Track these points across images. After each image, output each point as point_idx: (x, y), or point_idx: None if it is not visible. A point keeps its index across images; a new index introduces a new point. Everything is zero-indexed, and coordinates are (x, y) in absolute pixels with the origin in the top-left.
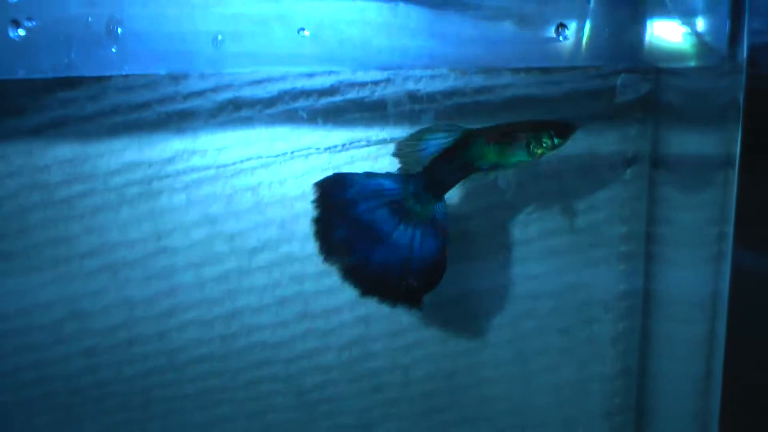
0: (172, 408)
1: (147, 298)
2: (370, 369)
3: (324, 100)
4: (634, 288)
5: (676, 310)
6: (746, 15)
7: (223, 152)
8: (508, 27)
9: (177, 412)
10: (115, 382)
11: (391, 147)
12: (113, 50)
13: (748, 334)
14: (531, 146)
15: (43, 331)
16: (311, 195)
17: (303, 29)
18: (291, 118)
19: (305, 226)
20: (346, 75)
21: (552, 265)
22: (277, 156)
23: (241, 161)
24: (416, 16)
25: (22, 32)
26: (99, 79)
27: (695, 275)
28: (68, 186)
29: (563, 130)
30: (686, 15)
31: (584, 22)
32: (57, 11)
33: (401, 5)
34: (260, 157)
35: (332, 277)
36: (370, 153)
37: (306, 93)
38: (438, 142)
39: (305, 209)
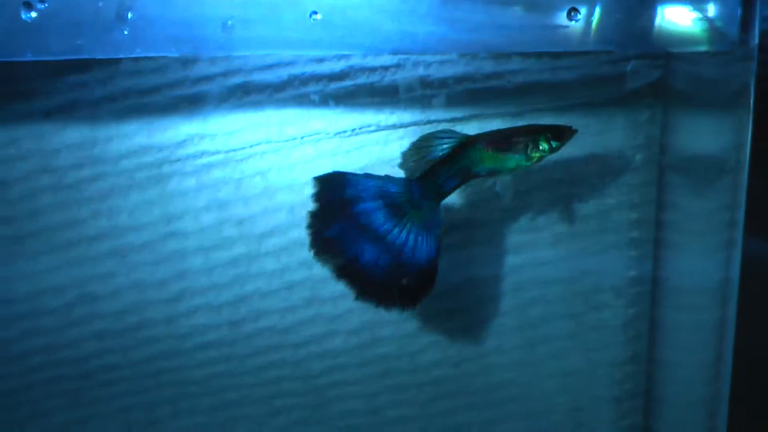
0: (180, 392)
1: (156, 283)
2: (378, 355)
3: (334, 85)
4: (644, 274)
5: (686, 296)
6: (758, 1)
7: (233, 137)
8: (518, 12)
9: (186, 396)
10: (124, 366)
11: (401, 132)
12: (125, 33)
13: (758, 321)
14: (528, 150)
15: (52, 314)
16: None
17: (315, 13)
18: (301, 102)
19: None
20: (356, 60)
21: (561, 251)
22: (286, 141)
23: (251, 146)
24: (426, 1)
25: (34, 14)
26: (109, 63)
27: (705, 262)
28: (78, 170)
29: (560, 134)
30: (697, 0)
31: (595, 7)
32: None
33: None
34: (270, 141)
35: None
36: (380, 138)
37: (316, 78)
38: (440, 148)
39: None
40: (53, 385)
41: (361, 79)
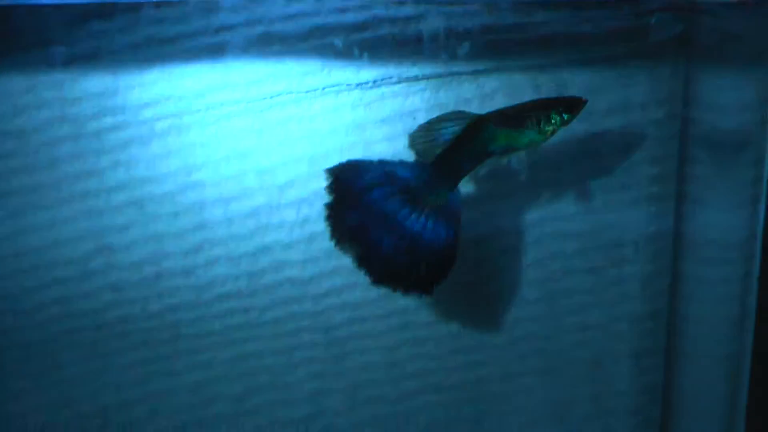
0: (198, 345)
1: (175, 233)
2: (398, 307)
3: (356, 36)
4: (665, 229)
5: (709, 251)
6: None
7: (254, 87)
8: None
9: (203, 348)
10: (141, 318)
11: (423, 84)
12: None
13: None
14: (542, 125)
15: (70, 265)
16: (343, 131)
17: None
18: (322, 53)
19: (335, 162)
20: (379, 10)
21: (582, 205)
22: (307, 92)
23: (272, 96)
24: None
25: None
26: (131, 11)
27: (729, 216)
28: (98, 119)
29: (572, 105)
30: None
31: None
32: None
33: None
34: (291, 92)
35: None
36: (401, 90)
37: (338, 28)
38: (450, 130)
39: (336, 145)
40: (69, 336)
41: (384, 30)
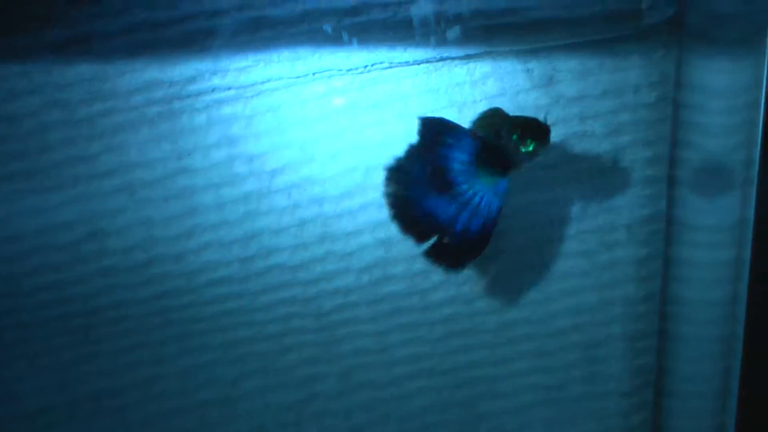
0: (189, 330)
1: (165, 219)
2: (390, 293)
3: (347, 21)
4: (658, 212)
5: (701, 235)
6: None
7: (244, 72)
8: None
9: (194, 334)
10: (133, 304)
11: (414, 69)
12: None
13: None
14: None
15: (62, 250)
16: (333, 117)
17: None
18: (313, 39)
19: (326, 147)
20: None
21: (574, 188)
22: (298, 77)
23: (262, 82)
24: None
25: None
26: None
27: (721, 201)
28: (89, 105)
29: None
30: None
31: None
32: None
33: None
34: (281, 78)
35: (353, 199)
36: (392, 75)
37: (329, 13)
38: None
39: (326, 131)
40: (62, 321)
41: (375, 15)
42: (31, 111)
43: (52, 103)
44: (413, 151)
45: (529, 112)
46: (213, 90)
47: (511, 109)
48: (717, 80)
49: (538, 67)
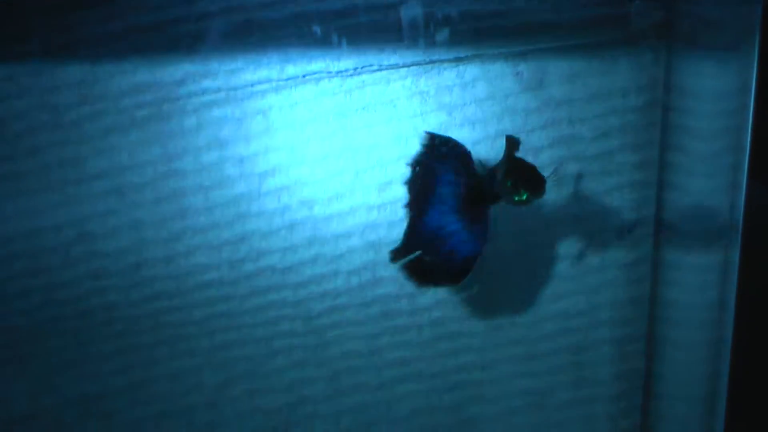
0: (179, 333)
1: (155, 222)
2: (379, 295)
3: (336, 23)
4: (646, 216)
5: (689, 239)
6: None
7: (234, 75)
8: None
9: (184, 337)
10: (123, 306)
11: (403, 72)
12: None
13: (761, 265)
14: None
15: (52, 253)
16: (323, 119)
17: None
18: (303, 41)
19: (315, 150)
20: None
21: (563, 192)
22: (288, 79)
23: (252, 84)
24: None
25: None
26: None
27: (710, 204)
28: (78, 108)
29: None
30: None
31: None
32: None
33: None
34: (271, 80)
35: (342, 202)
36: (381, 77)
37: (318, 15)
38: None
39: (315, 133)
40: (52, 324)
41: (364, 18)
42: (19, 114)
43: (41, 106)
44: (422, 161)
45: (518, 115)
46: (203, 92)
47: (500, 112)
48: (706, 84)
49: (527, 70)
